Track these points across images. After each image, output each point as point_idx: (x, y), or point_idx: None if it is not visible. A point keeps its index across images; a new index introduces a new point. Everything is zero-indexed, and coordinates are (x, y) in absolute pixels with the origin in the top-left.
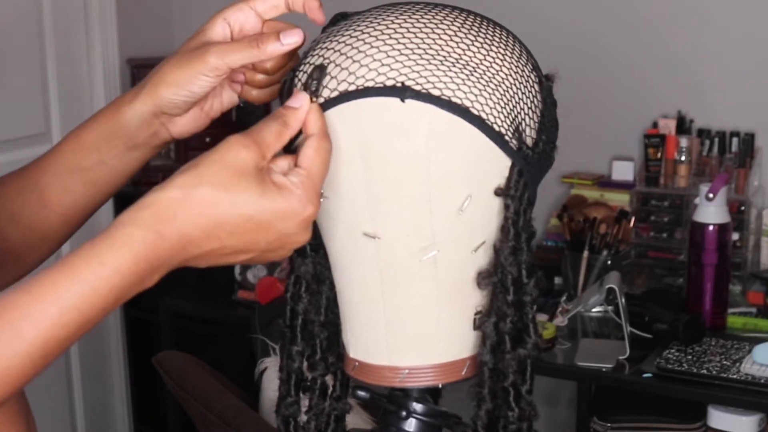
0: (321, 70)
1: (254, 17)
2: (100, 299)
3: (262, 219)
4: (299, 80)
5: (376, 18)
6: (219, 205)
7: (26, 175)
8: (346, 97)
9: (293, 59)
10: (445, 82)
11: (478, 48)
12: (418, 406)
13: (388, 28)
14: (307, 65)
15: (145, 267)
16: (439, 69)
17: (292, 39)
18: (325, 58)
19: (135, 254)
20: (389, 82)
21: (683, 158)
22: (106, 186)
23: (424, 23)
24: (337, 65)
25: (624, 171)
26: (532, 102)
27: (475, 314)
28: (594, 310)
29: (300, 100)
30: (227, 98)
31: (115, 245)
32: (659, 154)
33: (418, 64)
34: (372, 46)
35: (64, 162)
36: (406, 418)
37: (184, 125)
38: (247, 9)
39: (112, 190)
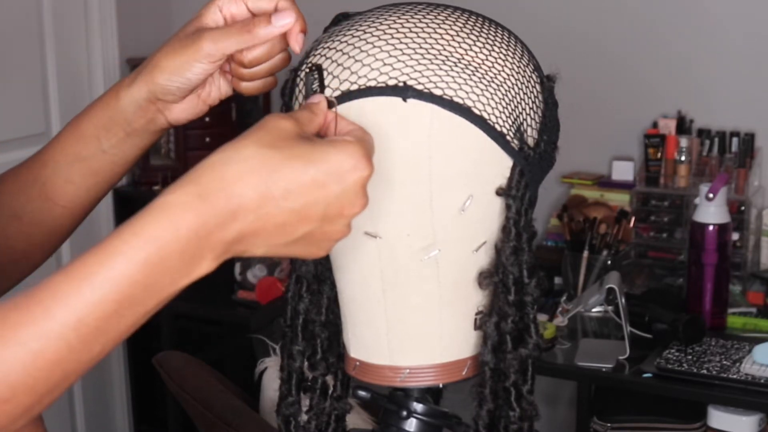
0: (318, 71)
1: (245, 11)
2: (137, 273)
3: (318, 172)
4: (301, 79)
5: (378, 18)
6: (270, 159)
7: (27, 170)
8: (348, 96)
9: (277, 55)
10: (447, 82)
11: (480, 48)
12: (418, 406)
13: (390, 27)
14: (309, 65)
15: (189, 236)
16: (441, 69)
17: (284, 21)
18: (326, 58)
19: (173, 221)
20: (391, 82)
21: (683, 158)
22: (107, 175)
23: (426, 23)
24: (339, 65)
25: (624, 171)
26: (533, 102)
27: (476, 314)
28: (594, 310)
29: (317, 98)
30: (224, 86)
31: (151, 214)
32: (659, 154)
33: (420, 64)
34: (374, 46)
35: (65, 153)
36: (407, 417)
37: (182, 111)
38: (240, 2)
39: (112, 179)
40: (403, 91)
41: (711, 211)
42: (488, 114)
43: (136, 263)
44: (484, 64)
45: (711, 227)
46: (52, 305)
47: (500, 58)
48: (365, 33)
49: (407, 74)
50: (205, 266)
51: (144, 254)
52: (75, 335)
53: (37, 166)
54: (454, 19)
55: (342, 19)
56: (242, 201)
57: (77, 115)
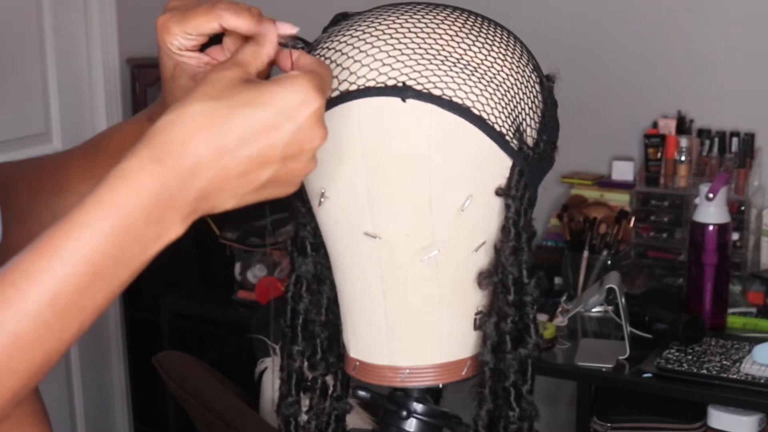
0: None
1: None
2: (105, 243)
3: (268, 114)
4: None
5: (377, 18)
6: (216, 112)
7: (39, 177)
8: (347, 96)
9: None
10: (446, 82)
11: (479, 48)
12: (418, 406)
13: (389, 28)
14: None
15: (152, 201)
16: (440, 69)
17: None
18: (325, 58)
19: (135, 188)
20: (390, 82)
21: (683, 158)
22: None
23: (425, 23)
24: (338, 65)
25: (624, 171)
26: (532, 102)
27: (476, 314)
28: (594, 310)
29: (266, 27)
30: None
31: (111, 182)
32: (659, 154)
33: (419, 64)
34: (373, 46)
35: (73, 175)
36: (407, 418)
37: None
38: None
39: None
40: (402, 92)
41: (711, 211)
42: (487, 114)
43: (102, 233)
44: (483, 63)
45: (711, 227)
46: (25, 285)
47: (499, 57)
48: (364, 33)
49: (406, 74)
50: (174, 230)
51: (109, 223)
52: (51, 312)
53: (48, 180)
54: (453, 19)
55: (341, 19)
56: (198, 158)
57: (101, 134)
